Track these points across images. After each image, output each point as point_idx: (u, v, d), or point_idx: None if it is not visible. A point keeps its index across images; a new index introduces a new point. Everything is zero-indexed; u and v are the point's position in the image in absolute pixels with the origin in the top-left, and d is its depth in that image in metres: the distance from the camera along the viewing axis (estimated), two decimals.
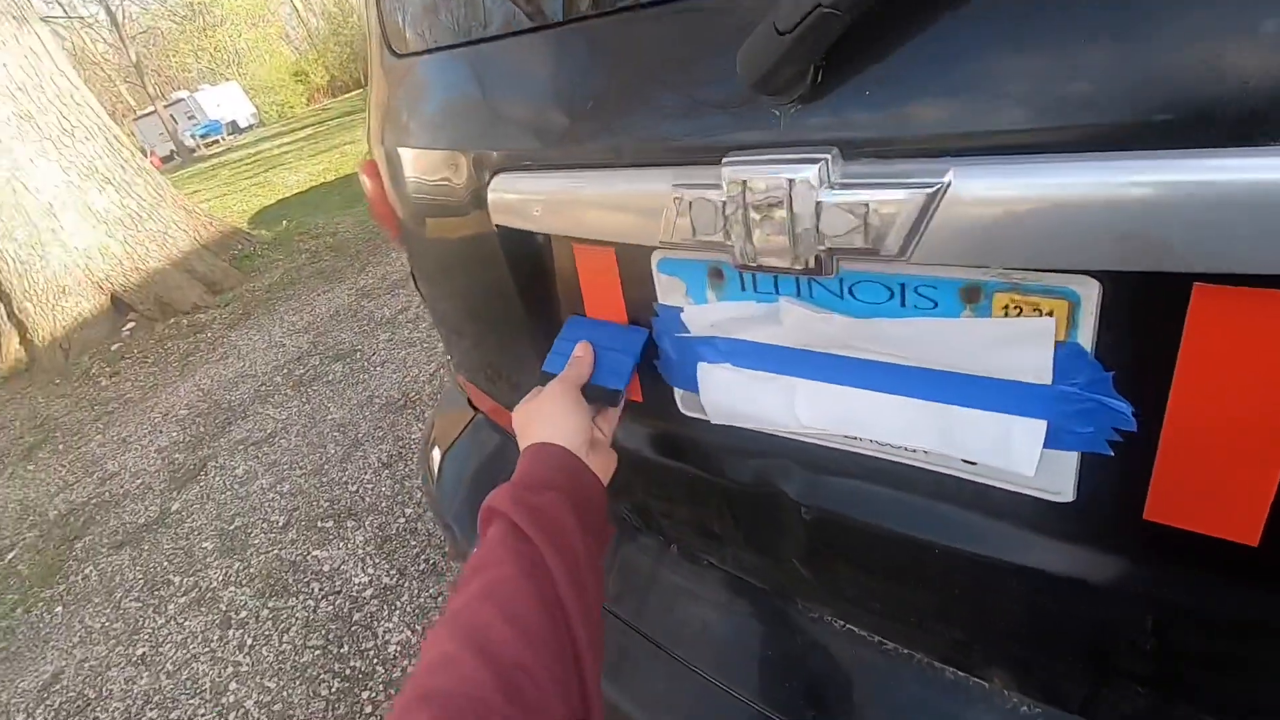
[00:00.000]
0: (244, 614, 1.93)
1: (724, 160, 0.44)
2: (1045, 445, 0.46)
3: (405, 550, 1.96)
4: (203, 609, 2.01)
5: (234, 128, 34.54)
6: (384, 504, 2.19)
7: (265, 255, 5.53)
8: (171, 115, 32.11)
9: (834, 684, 0.67)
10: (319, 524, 2.20)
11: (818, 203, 0.40)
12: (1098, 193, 0.34)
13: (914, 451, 0.52)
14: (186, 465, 2.85)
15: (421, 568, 1.87)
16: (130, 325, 4.69)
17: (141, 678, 1.83)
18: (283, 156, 13.67)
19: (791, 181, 0.41)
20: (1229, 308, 0.36)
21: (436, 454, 1.14)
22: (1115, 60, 0.32)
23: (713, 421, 0.64)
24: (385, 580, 1.87)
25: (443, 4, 0.71)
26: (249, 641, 1.83)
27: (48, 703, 1.85)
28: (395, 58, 0.79)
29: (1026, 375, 0.44)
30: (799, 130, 0.42)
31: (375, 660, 1.65)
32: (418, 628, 1.69)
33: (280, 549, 2.15)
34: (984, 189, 0.36)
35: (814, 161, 0.40)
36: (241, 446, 2.85)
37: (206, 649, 1.85)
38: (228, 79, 38.72)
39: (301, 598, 1.92)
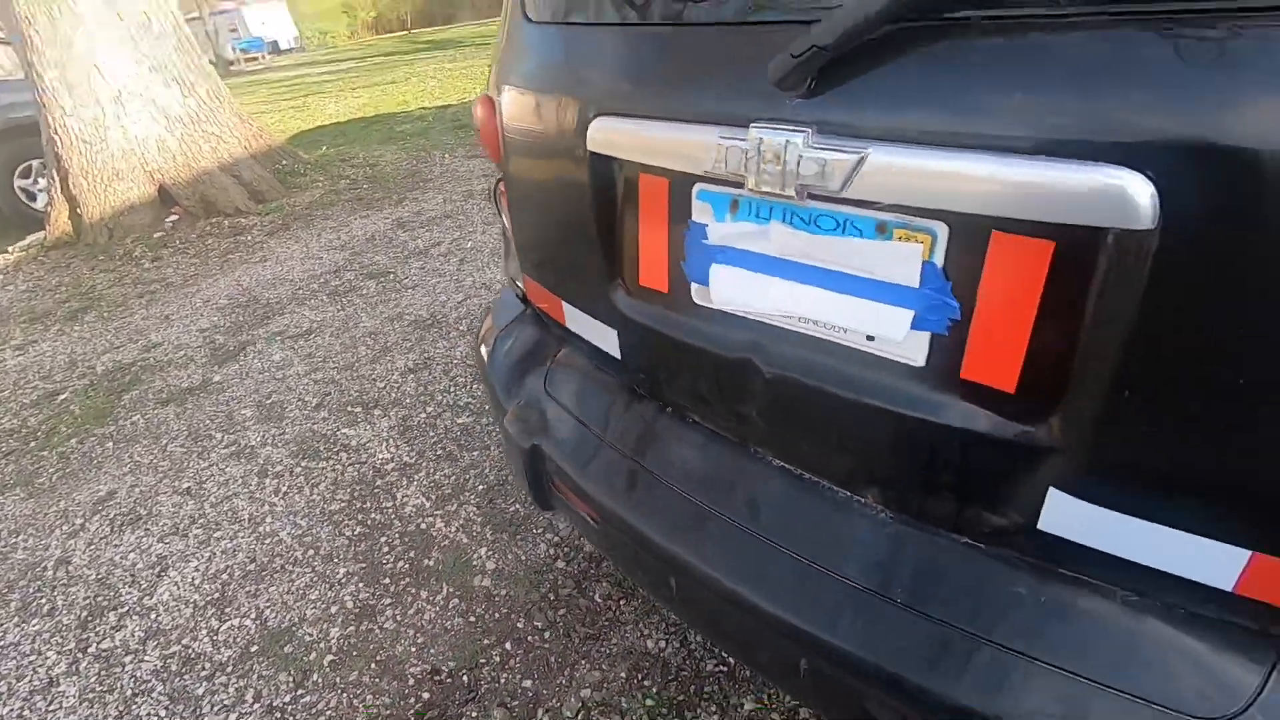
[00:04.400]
0: (279, 468, 2.24)
1: (751, 125, 0.74)
2: (911, 327, 0.76)
3: (424, 439, 2.27)
4: (242, 460, 2.31)
5: (275, 48, 34.45)
6: (408, 400, 2.49)
7: (308, 175, 5.80)
8: (215, 25, 32.10)
9: (767, 502, 0.98)
10: (348, 409, 2.50)
11: (799, 156, 0.71)
12: (946, 169, 0.64)
13: (840, 330, 0.83)
14: (227, 346, 3.15)
15: (438, 454, 2.19)
16: (174, 218, 4.96)
17: (187, 504, 2.14)
18: (322, 84, 13.84)
19: (787, 142, 0.71)
20: (1007, 247, 0.67)
21: (491, 335, 1.44)
22: (954, 96, 0.63)
23: (715, 307, 0.94)
24: (406, 459, 2.18)
25: None
26: (284, 489, 2.14)
27: (102, 514, 2.15)
28: (529, 22, 1.09)
29: (906, 280, 0.75)
30: (798, 113, 0.72)
31: (393, 515, 1.96)
32: (432, 497, 2.00)
33: (313, 423, 2.45)
34: (886, 160, 0.66)
35: (800, 132, 0.70)
36: (279, 337, 3.15)
37: (245, 490, 2.16)
38: None
39: (330, 462, 2.23)
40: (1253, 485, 0.61)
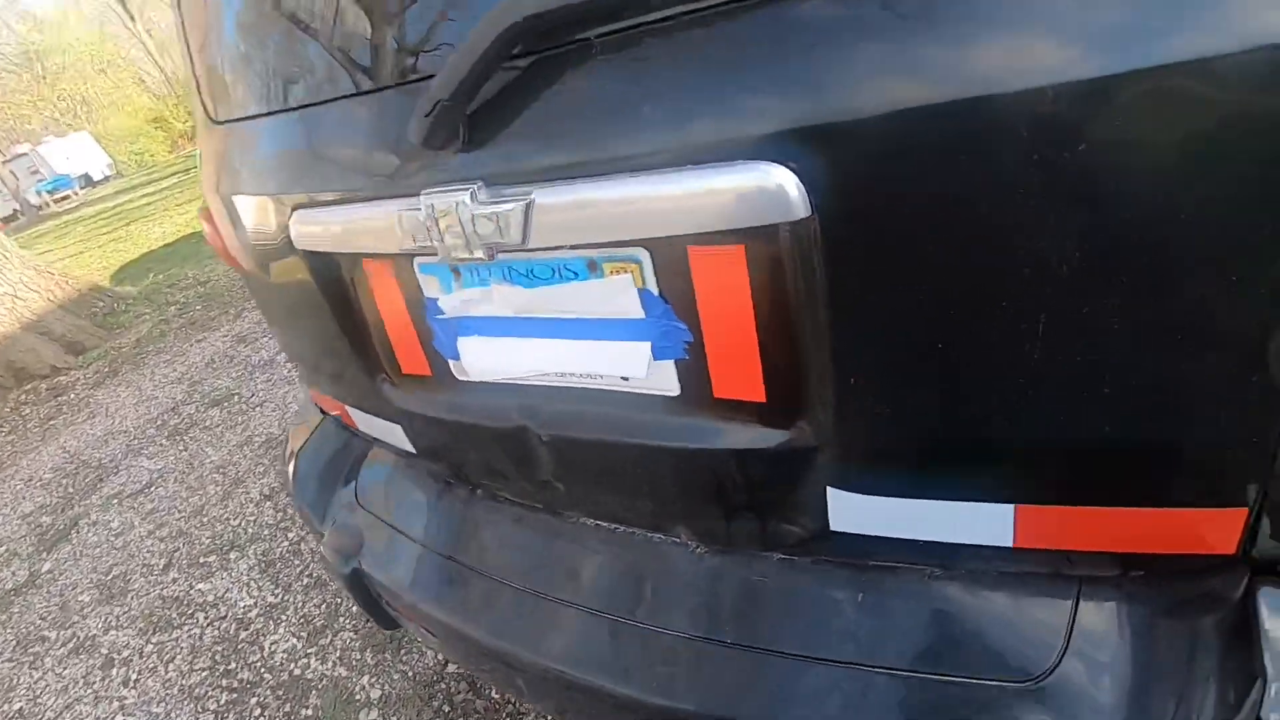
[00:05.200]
0: (127, 653, 1.97)
1: (421, 192, 0.68)
2: (655, 358, 0.72)
3: (289, 570, 2.06)
4: (83, 655, 2.02)
5: (87, 180, 32.04)
6: (267, 532, 2.27)
7: (131, 310, 5.34)
8: (12, 171, 29.51)
9: (589, 567, 0.90)
10: (201, 560, 2.25)
11: (471, 215, 0.65)
12: (610, 197, 0.59)
13: (596, 376, 0.77)
14: (56, 526, 2.79)
15: (305, 583, 1.99)
16: None
17: None
18: (145, 208, 12.95)
19: (456, 203, 0.65)
20: (706, 260, 0.63)
21: (294, 451, 1.31)
22: (596, 121, 0.58)
23: (474, 380, 0.87)
24: (270, 599, 1.97)
25: (238, 87, 0.92)
26: (134, 676, 1.88)
27: None
28: (214, 124, 0.99)
29: (630, 314, 0.70)
30: (463, 170, 0.66)
31: (262, 669, 1.75)
32: (303, 635, 1.81)
33: (162, 589, 2.19)
34: (552, 201, 0.61)
35: (466, 190, 0.64)
36: (115, 500, 2.82)
37: (89, 691, 1.88)
38: (77, 129, 35.97)
39: (185, 629, 1.98)
40: (987, 442, 0.59)
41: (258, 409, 3.17)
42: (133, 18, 37.14)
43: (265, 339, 4.03)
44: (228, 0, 0.89)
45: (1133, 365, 0.51)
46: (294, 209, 0.85)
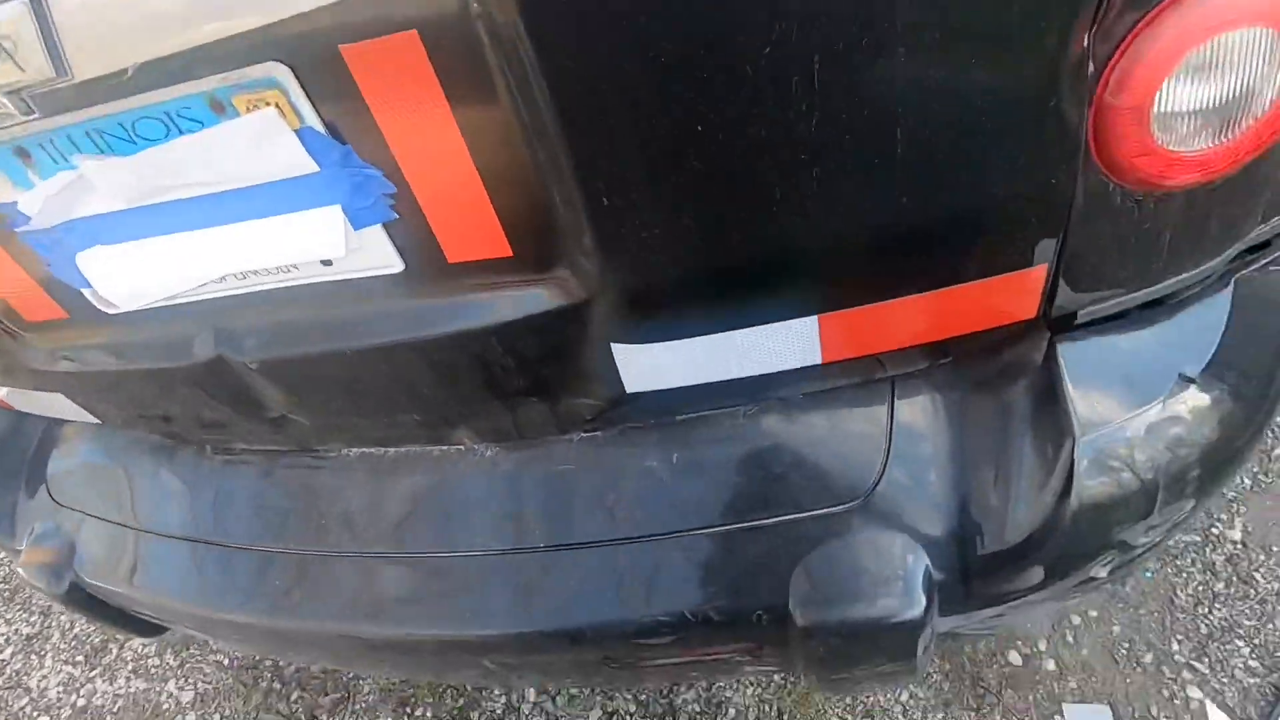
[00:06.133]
0: None
1: None
2: (355, 226, 0.52)
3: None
4: None
5: None
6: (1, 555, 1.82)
7: None
8: None
9: (365, 501, 0.73)
10: None
11: None
12: None
13: (288, 270, 0.57)
14: None
15: (64, 621, 1.63)
16: None
17: None
18: None
19: None
20: (371, 62, 0.43)
21: None
22: None
23: (129, 309, 0.62)
24: (25, 630, 1.60)
25: None
26: None
27: None
28: None
29: (297, 167, 0.49)
30: None
31: (37, 713, 1.44)
32: (79, 659, 1.50)
33: None
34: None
35: None
36: None
37: None
38: None
39: None
40: (776, 252, 0.48)
41: None
42: None
43: None
44: None
45: (924, 125, 0.41)
46: None
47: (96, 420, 0.79)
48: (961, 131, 0.42)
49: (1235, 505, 1.13)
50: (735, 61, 0.38)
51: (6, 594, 1.71)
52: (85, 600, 0.86)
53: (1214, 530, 1.12)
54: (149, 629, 0.95)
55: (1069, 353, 0.54)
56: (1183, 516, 0.57)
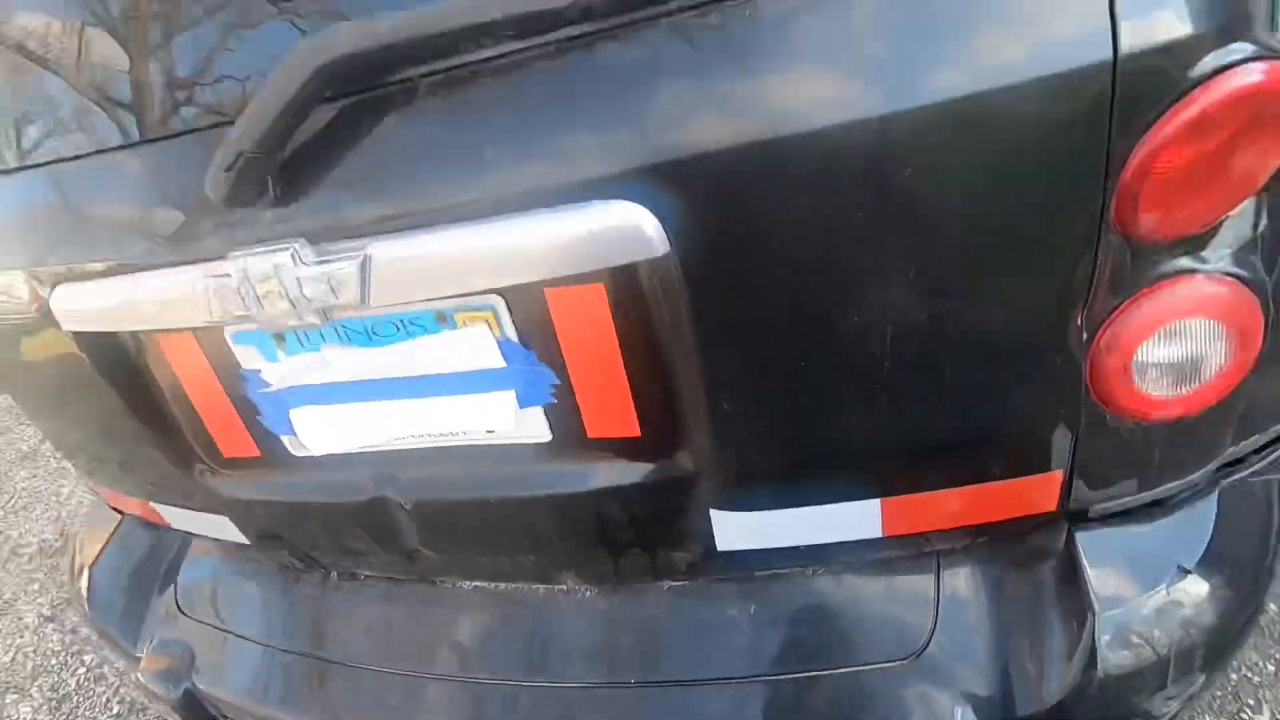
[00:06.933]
0: None
1: (229, 255, 0.59)
2: (521, 406, 0.68)
3: (90, 701, 1.72)
4: None
5: None
6: (54, 662, 1.88)
7: None
8: None
9: (472, 630, 0.84)
10: None
11: (296, 278, 0.57)
12: (458, 245, 0.55)
13: (454, 435, 0.72)
14: None
15: (116, 711, 1.67)
16: None
17: None
18: None
19: (275, 265, 0.57)
20: (565, 301, 0.60)
21: (87, 563, 1.09)
22: (433, 166, 0.54)
23: (316, 454, 0.77)
24: None
25: None
26: None
27: None
28: None
29: (490, 363, 0.66)
30: (277, 226, 0.58)
31: None
32: None
33: None
34: (393, 254, 0.56)
35: (285, 249, 0.57)
36: None
37: None
38: None
39: None
40: (852, 448, 0.63)
41: (21, 514, 2.62)
42: None
43: (22, 426, 3.35)
44: None
45: (965, 366, 0.57)
46: (55, 285, 0.71)
47: (246, 541, 0.92)
48: (993, 374, 0.58)
49: (1261, 691, 1.17)
50: (830, 327, 0.55)
51: (54, 704, 1.76)
52: (195, 708, 0.95)
53: (1243, 716, 1.15)
54: None
55: (1086, 541, 0.66)
56: (1197, 688, 0.66)
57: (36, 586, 2.21)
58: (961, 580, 0.72)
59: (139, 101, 0.62)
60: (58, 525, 2.49)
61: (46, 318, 0.73)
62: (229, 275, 0.59)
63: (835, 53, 0.48)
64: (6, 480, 2.91)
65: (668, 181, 0.51)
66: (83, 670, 1.83)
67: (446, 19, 0.48)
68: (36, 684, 1.84)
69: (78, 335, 0.74)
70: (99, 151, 0.65)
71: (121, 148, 0.65)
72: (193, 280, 0.61)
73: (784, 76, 0.48)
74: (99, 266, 0.67)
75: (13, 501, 2.74)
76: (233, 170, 0.52)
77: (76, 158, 0.67)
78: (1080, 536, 0.67)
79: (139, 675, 0.98)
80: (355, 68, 0.49)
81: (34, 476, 2.87)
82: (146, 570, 1.06)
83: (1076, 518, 0.67)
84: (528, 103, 0.53)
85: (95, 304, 0.69)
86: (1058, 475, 0.63)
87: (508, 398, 0.67)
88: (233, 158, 0.52)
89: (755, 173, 0.49)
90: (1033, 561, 0.70)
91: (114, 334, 0.75)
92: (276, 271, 0.57)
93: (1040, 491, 0.64)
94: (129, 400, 0.80)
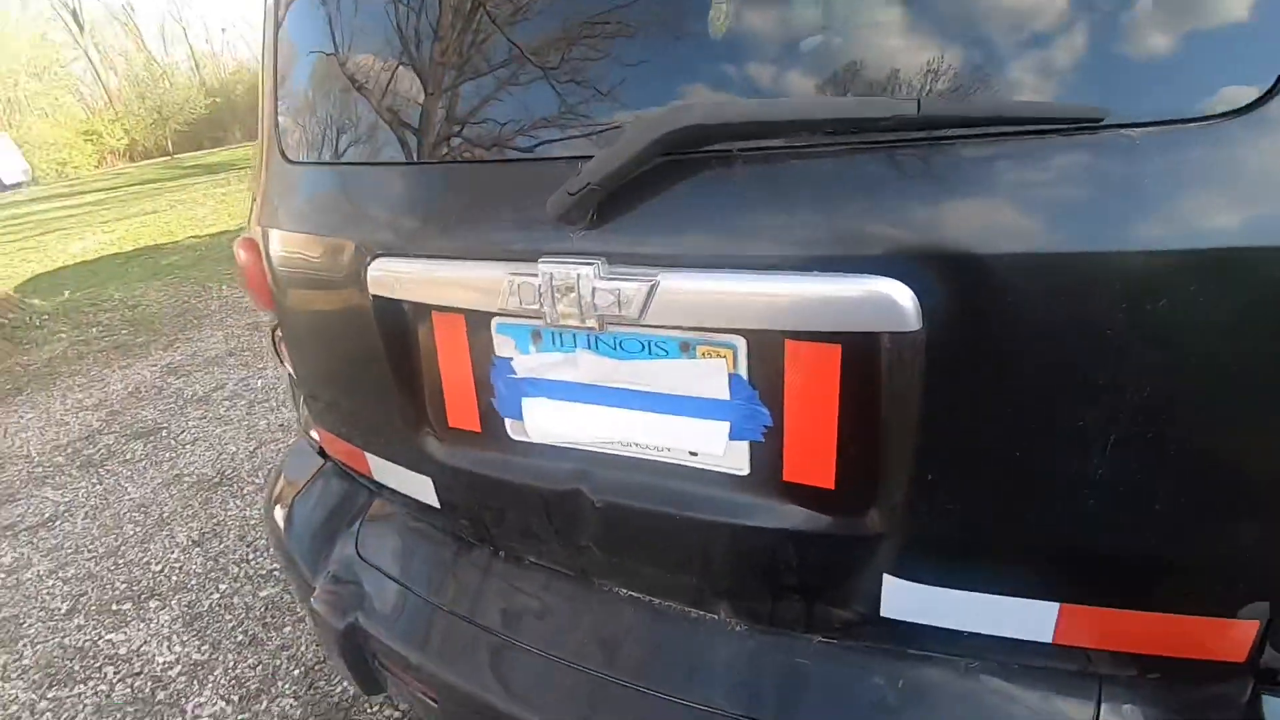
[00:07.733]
0: (15, 708, 1.74)
1: (540, 259, 0.72)
2: (730, 438, 0.76)
3: (219, 625, 1.91)
4: None
5: None
6: (194, 581, 2.10)
7: (46, 326, 4.96)
8: None
9: (622, 639, 0.91)
10: (113, 607, 2.05)
11: (593, 288, 0.69)
12: (732, 289, 0.66)
13: (663, 449, 0.81)
14: None
15: (239, 640, 1.84)
16: None
17: None
18: (63, 220, 12.21)
19: (578, 275, 0.70)
20: (801, 354, 0.69)
21: (287, 496, 1.25)
22: (729, 221, 0.65)
23: (533, 441, 0.89)
24: (195, 656, 1.81)
25: (331, 129, 0.96)
26: None
27: None
28: (289, 163, 1.01)
29: (716, 394, 0.75)
30: (585, 244, 0.71)
31: None
32: (234, 699, 1.66)
33: (63, 636, 1.96)
34: (677, 285, 0.67)
35: (590, 264, 0.69)
36: (9, 534, 2.54)
37: None
38: None
39: (91, 684, 1.78)
40: (1048, 545, 0.66)
41: (188, 447, 2.97)
42: (82, 29, 36.16)
43: (201, 372, 3.82)
44: (349, 51, 0.94)
45: (1178, 488, 0.60)
46: (376, 256, 0.88)
47: (435, 505, 1.04)
48: (1209, 505, 0.60)
49: None
50: (1054, 426, 0.60)
51: (188, 618, 1.95)
52: (352, 641, 1.06)
53: None
54: (374, 685, 1.12)
55: (1272, 705, 0.65)
56: None
57: (190, 512, 2.48)
58: (1121, 713, 0.71)
59: (500, 133, 0.78)
60: (216, 464, 2.79)
61: (356, 279, 0.90)
62: (535, 276, 0.72)
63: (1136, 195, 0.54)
64: (181, 416, 3.31)
65: (937, 268, 0.59)
66: (216, 596, 2.03)
67: (783, 110, 0.59)
68: (176, 597, 2.05)
69: (376, 299, 0.90)
70: (483, 161, 0.82)
71: (470, 162, 0.81)
72: (500, 275, 0.75)
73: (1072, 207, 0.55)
74: (428, 247, 0.83)
75: (183, 434, 3.11)
76: (576, 196, 0.66)
77: (433, 161, 0.84)
78: (1269, 702, 0.65)
79: (313, 601, 1.11)
80: (697, 136, 0.62)
81: (203, 418, 3.24)
82: (335, 515, 1.21)
83: (1266, 679, 0.66)
84: (822, 181, 0.63)
85: (404, 277, 0.85)
86: (1253, 625, 0.63)
87: (722, 428, 0.76)
88: (580, 186, 0.65)
89: (1021, 276, 0.57)
90: (1207, 713, 0.68)
91: (401, 304, 0.91)
92: (578, 280, 0.70)
93: (1231, 638, 0.64)
94: (390, 358, 0.95)
